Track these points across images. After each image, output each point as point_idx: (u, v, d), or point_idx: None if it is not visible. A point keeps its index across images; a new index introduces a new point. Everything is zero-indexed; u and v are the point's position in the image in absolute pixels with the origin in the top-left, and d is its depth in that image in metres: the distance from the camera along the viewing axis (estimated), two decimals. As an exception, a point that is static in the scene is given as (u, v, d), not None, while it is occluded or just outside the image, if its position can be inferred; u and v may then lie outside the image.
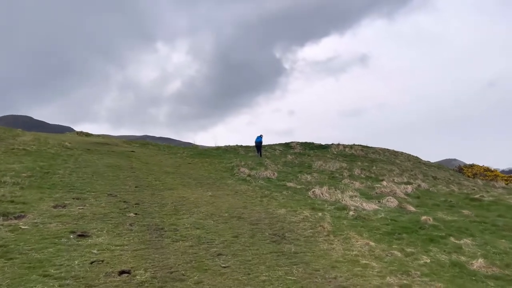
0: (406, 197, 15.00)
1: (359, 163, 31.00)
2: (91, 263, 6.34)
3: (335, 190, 15.08)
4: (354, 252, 7.58)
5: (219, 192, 13.76)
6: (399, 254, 7.57)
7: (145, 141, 39.98)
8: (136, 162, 20.74)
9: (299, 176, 19.08)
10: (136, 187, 13.69)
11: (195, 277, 6.03)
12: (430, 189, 17.83)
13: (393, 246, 8.07)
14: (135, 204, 11.19)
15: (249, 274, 6.27)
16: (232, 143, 40.97)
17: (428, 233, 9.01)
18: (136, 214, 9.92)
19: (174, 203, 11.49)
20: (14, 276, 5.54)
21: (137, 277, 5.93)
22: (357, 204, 12.10)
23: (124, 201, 11.48)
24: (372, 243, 8.10)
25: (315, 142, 45.14)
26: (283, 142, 44.24)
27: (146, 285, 5.65)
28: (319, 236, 8.66)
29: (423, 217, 10.17)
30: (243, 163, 22.54)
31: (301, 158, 30.58)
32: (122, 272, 6.06)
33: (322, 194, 13.40)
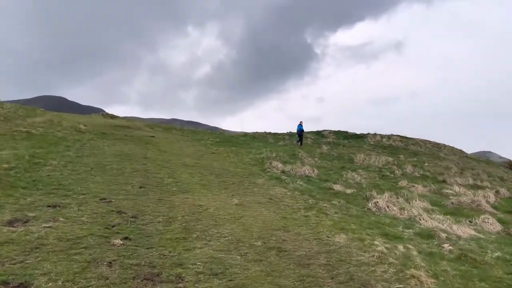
0: (494, 210, 11.00)
1: (402, 156, 26.84)
2: None
3: (397, 198, 11.25)
4: None
5: (247, 197, 10.15)
6: None
7: (169, 125, 36.87)
8: (153, 150, 17.41)
9: (344, 174, 15.26)
10: (141, 187, 10.25)
11: None
12: (515, 197, 13.68)
13: None
14: (132, 217, 7.73)
15: None
16: (260, 128, 37.63)
17: None
18: (125, 239, 6.45)
19: (186, 217, 7.97)
20: None
21: None
22: (443, 227, 8.24)
23: (118, 211, 8.06)
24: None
25: (347, 130, 40.96)
26: (314, 130, 40.26)
27: None
28: (418, 301, 4.92)
29: None
30: (274, 154, 18.88)
31: (338, 149, 26.67)
32: None
33: (387, 206, 9.58)
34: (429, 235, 7.58)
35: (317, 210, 9.14)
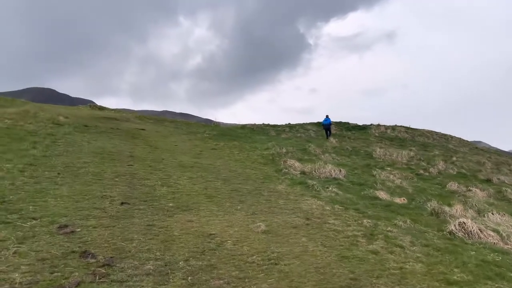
0: None
1: (414, 148, 24.11)
2: None
3: (466, 208, 8.26)
4: None
5: (275, 217, 6.99)
6: None
7: (161, 117, 33.34)
8: (141, 146, 14.12)
9: (376, 175, 12.22)
10: (123, 203, 7.03)
11: None
12: None
13: None
14: (104, 265, 4.56)
15: None
16: (253, 120, 34.40)
17: None
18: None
19: (191, 261, 4.80)
20: None
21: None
22: None
23: (83, 252, 4.87)
24: None
25: (348, 121, 38.09)
26: (313, 121, 37.19)
27: None
28: None
29: None
30: (284, 150, 15.75)
31: (347, 142, 23.72)
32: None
33: (480, 231, 6.55)
34: None
35: (384, 239, 6.03)
